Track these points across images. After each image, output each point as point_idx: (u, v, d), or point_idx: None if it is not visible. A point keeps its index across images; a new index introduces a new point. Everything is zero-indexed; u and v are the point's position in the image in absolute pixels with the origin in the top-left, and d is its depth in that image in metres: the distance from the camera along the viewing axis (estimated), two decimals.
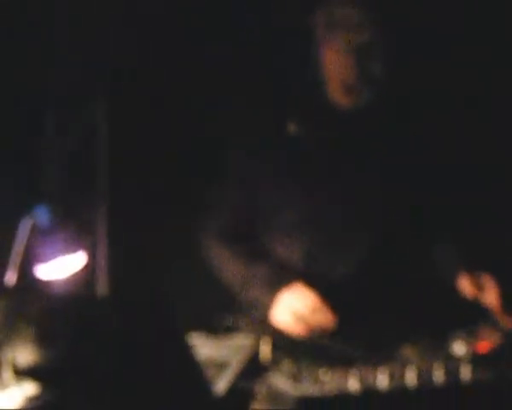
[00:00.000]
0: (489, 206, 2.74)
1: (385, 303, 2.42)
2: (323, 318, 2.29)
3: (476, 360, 2.10)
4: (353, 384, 1.99)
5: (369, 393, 1.97)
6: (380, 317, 2.39)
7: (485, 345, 2.20)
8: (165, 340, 1.87)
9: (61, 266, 2.29)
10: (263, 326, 2.31)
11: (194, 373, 1.89)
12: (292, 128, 2.43)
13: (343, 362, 2.08)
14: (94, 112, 3.06)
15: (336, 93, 2.41)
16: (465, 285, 2.43)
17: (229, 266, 2.48)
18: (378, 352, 2.14)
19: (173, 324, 1.86)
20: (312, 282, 2.37)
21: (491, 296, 2.37)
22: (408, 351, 2.21)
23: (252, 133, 2.49)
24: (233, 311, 2.44)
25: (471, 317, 2.32)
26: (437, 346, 2.21)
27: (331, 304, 2.33)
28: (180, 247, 2.88)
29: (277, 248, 2.48)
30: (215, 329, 2.32)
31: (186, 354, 1.88)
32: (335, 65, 2.39)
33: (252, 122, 2.49)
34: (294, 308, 2.31)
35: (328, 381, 2.02)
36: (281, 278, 2.37)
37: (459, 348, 2.19)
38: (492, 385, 2.02)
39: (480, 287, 2.40)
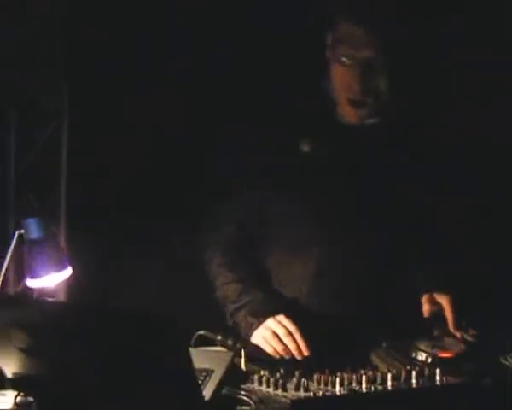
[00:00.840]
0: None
1: (368, 316, 2.55)
2: (297, 342, 2.42)
3: (442, 364, 2.27)
4: (338, 388, 2.12)
5: (353, 395, 2.11)
6: (358, 327, 2.52)
7: (447, 353, 2.39)
8: (164, 347, 1.93)
9: (50, 279, 2.36)
10: (244, 343, 2.42)
11: (189, 378, 1.99)
12: (304, 145, 2.53)
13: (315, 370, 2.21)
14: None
15: (344, 108, 2.51)
16: (424, 304, 2.57)
17: (225, 289, 2.58)
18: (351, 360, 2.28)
19: (173, 332, 1.93)
20: (318, 300, 2.52)
21: (446, 314, 2.52)
22: (376, 358, 2.38)
23: (262, 151, 2.57)
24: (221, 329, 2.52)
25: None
26: (403, 353, 2.38)
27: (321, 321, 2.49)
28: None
29: (285, 264, 2.59)
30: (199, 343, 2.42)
31: (184, 360, 1.96)
32: (341, 80, 2.49)
33: (264, 140, 2.57)
34: (272, 328, 2.46)
35: (312, 385, 2.15)
36: (269, 308, 2.50)
37: (424, 354, 2.37)
38: (460, 387, 2.18)
39: (437, 306, 2.54)
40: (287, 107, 2.61)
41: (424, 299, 2.56)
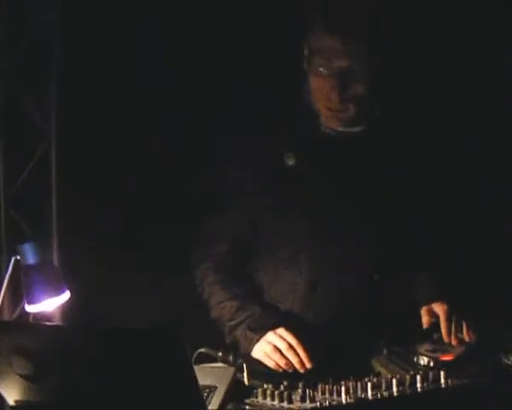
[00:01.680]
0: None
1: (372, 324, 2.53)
2: (298, 355, 2.41)
3: (444, 367, 2.28)
4: (344, 396, 2.12)
5: (360, 403, 2.11)
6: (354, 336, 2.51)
7: (448, 356, 2.40)
8: (169, 363, 1.93)
9: (48, 303, 2.35)
10: (244, 359, 2.40)
11: (194, 394, 1.97)
12: (289, 158, 2.52)
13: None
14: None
15: (325, 116, 2.51)
16: (424, 316, 2.56)
17: (220, 308, 2.56)
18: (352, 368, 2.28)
19: (177, 347, 1.92)
20: (312, 312, 2.52)
21: (441, 323, 2.51)
22: (378, 365, 2.38)
23: (250, 165, 2.56)
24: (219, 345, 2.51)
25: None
26: (404, 358, 2.38)
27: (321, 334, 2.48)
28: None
29: (278, 278, 2.57)
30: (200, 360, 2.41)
31: (189, 376, 1.95)
32: (320, 90, 2.48)
33: (249, 155, 2.57)
34: (273, 343, 2.44)
35: (316, 396, 2.15)
36: (268, 321, 2.49)
37: (424, 358, 2.37)
38: (465, 388, 2.19)
39: (435, 317, 2.54)
40: (270, 121, 2.61)
41: (423, 311, 2.56)
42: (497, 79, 3.28)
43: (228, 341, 2.55)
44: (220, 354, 2.40)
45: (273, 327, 2.46)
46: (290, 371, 2.41)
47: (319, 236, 2.53)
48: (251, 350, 2.48)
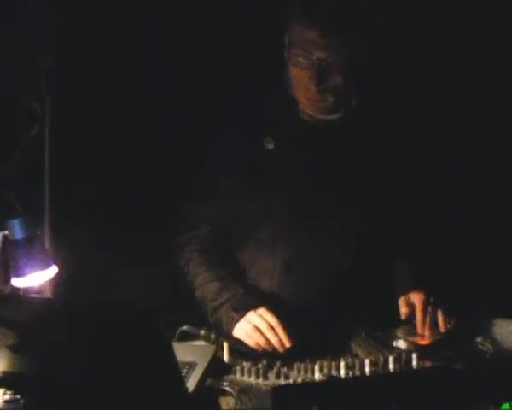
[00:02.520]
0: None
1: (347, 308, 2.59)
2: (278, 335, 2.46)
3: (419, 350, 2.34)
4: (317, 374, 2.18)
5: (332, 380, 2.17)
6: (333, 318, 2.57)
7: (424, 340, 2.45)
8: (147, 340, 1.97)
9: (35, 278, 2.40)
10: (226, 338, 2.46)
11: (172, 370, 2.04)
12: (268, 143, 2.59)
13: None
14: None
15: (304, 106, 2.57)
16: (401, 307, 2.61)
17: (204, 288, 2.62)
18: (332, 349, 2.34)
19: (155, 325, 1.98)
20: (288, 293, 2.58)
21: (416, 313, 2.57)
22: (357, 347, 2.44)
23: (229, 149, 2.63)
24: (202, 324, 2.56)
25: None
26: (382, 341, 2.45)
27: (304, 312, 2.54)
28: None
29: (257, 259, 2.63)
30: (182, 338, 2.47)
31: (166, 352, 2.01)
32: (298, 81, 2.54)
33: (228, 138, 2.63)
34: (254, 322, 2.50)
35: (292, 373, 2.21)
36: (250, 302, 2.54)
37: (402, 342, 2.43)
38: (438, 371, 2.24)
39: (411, 305, 2.59)
40: (250, 106, 2.66)
41: (400, 301, 2.61)
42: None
43: (211, 321, 2.60)
44: (202, 332, 2.46)
45: (254, 307, 2.52)
46: (270, 350, 2.47)
47: (295, 219, 2.59)
48: (232, 330, 2.53)
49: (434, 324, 2.52)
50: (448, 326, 2.52)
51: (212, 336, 2.45)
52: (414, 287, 2.60)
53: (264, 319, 2.49)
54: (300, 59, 2.52)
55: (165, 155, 3.19)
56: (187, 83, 3.29)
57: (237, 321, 2.53)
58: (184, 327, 2.48)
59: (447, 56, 3.34)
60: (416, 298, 2.57)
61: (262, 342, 2.48)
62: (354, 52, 2.50)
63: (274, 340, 2.47)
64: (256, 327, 2.50)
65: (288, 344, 2.46)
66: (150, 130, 3.31)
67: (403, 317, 2.59)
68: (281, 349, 2.46)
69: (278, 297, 2.61)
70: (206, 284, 2.62)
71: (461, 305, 2.61)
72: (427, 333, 2.50)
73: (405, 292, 2.61)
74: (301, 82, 2.54)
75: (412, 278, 2.62)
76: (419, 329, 2.52)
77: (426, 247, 2.66)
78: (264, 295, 2.60)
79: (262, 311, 2.51)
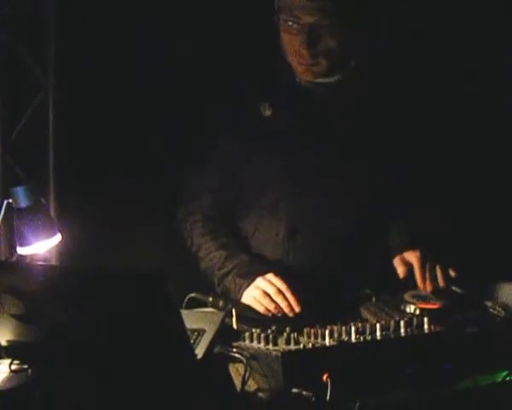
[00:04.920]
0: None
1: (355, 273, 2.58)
2: (287, 300, 2.45)
3: (430, 314, 2.31)
4: (328, 340, 2.16)
5: (342, 345, 2.15)
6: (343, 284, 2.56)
7: (434, 304, 2.43)
8: (155, 306, 1.96)
9: (40, 246, 2.38)
10: (234, 304, 2.45)
11: (180, 337, 2.02)
12: (265, 109, 2.57)
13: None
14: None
15: (298, 70, 2.55)
16: (398, 266, 2.60)
17: (209, 258, 2.61)
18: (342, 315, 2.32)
19: (163, 290, 1.96)
20: (293, 260, 2.56)
21: (414, 271, 2.55)
22: (366, 312, 2.42)
23: (226, 117, 2.61)
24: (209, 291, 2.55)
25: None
26: (392, 306, 2.42)
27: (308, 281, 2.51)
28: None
29: (260, 227, 2.62)
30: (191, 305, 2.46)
31: (176, 320, 1.99)
32: (289, 45, 2.52)
33: (226, 107, 2.62)
34: (262, 288, 2.48)
35: (302, 339, 2.19)
36: (257, 267, 2.53)
37: (412, 306, 2.41)
38: (447, 335, 2.22)
39: (407, 264, 2.58)
40: (245, 73, 2.65)
41: (396, 261, 2.60)
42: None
43: (218, 290, 2.59)
44: (211, 299, 2.44)
45: (262, 273, 2.50)
46: (279, 315, 2.45)
47: (297, 183, 2.57)
48: (241, 296, 2.52)
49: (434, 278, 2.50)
50: (446, 283, 2.48)
51: (221, 303, 2.43)
52: (409, 247, 2.57)
53: (272, 284, 2.47)
54: (290, 24, 2.50)
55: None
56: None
57: (246, 288, 2.51)
58: (192, 294, 2.46)
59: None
60: (412, 256, 2.55)
61: (271, 306, 2.46)
62: (345, 14, 2.47)
63: (283, 304, 2.45)
64: (265, 292, 2.48)
65: (297, 308, 2.44)
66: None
67: (401, 276, 2.57)
68: (290, 314, 2.45)
69: (282, 264, 2.59)
70: (210, 254, 2.61)
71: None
72: (429, 289, 2.47)
73: (400, 252, 2.59)
74: (293, 48, 2.52)
75: (407, 237, 2.60)
76: (420, 285, 2.50)
77: (422, 207, 2.64)
78: (268, 263, 2.58)
79: (270, 276, 2.49)
